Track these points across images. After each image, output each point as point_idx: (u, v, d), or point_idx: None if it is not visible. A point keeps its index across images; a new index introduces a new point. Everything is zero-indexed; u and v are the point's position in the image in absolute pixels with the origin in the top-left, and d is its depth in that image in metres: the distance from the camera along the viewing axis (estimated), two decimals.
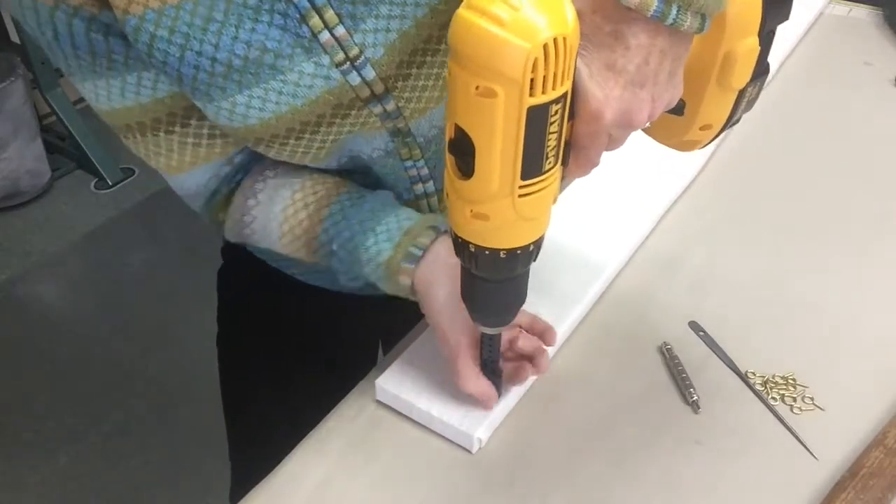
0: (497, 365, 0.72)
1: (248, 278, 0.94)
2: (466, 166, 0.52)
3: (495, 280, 0.60)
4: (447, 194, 0.56)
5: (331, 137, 0.70)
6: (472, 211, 0.54)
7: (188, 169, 0.75)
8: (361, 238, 0.73)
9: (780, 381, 0.76)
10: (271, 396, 0.98)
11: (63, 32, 0.63)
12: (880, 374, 0.77)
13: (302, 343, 0.95)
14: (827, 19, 1.40)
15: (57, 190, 2.78)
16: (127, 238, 2.59)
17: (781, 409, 0.74)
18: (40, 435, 1.95)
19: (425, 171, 0.77)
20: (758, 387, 0.76)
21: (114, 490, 1.82)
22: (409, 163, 0.76)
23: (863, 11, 1.41)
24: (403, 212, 0.75)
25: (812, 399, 0.75)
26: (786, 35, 1.31)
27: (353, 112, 0.69)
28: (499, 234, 0.56)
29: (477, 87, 0.48)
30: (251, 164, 0.80)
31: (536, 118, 0.49)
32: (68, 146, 2.82)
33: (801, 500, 0.67)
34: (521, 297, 0.64)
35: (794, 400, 0.75)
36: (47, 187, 2.76)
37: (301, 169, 0.79)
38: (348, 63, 0.65)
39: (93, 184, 2.79)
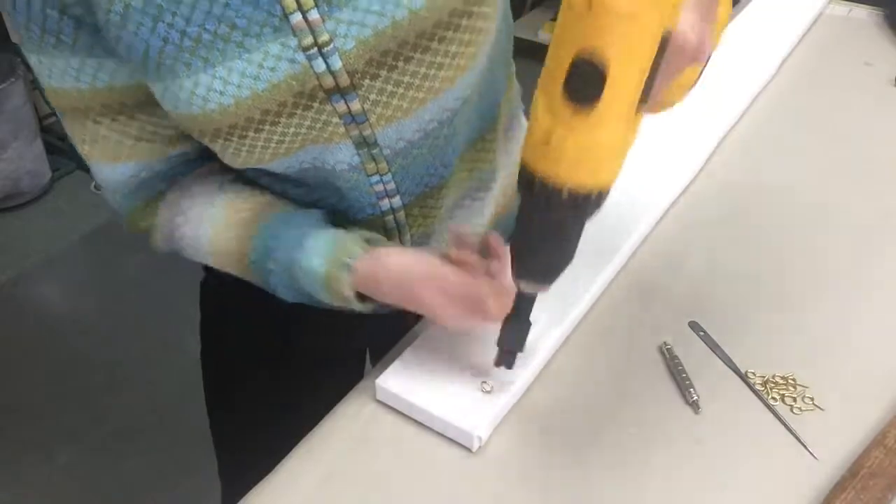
0: (525, 331, 0.69)
1: (229, 291, 0.93)
2: (589, 95, 0.52)
3: (562, 227, 0.60)
4: (544, 136, 0.55)
5: (291, 131, 0.68)
6: (579, 142, 0.54)
7: (108, 161, 0.76)
8: (295, 254, 0.73)
9: (780, 381, 0.76)
10: (256, 411, 0.97)
11: (20, 1, 0.65)
12: (880, 374, 0.77)
13: (287, 356, 0.94)
14: (827, 19, 1.40)
15: (57, 190, 2.78)
16: (127, 238, 2.56)
17: (781, 409, 0.74)
18: (40, 435, 1.95)
19: (392, 186, 0.76)
20: (758, 387, 0.76)
21: (113, 490, 1.82)
22: (375, 178, 0.74)
23: (863, 12, 1.41)
24: (331, 229, 0.75)
25: (812, 399, 0.75)
26: (786, 35, 1.31)
27: (316, 105, 0.68)
28: (596, 168, 0.56)
29: (621, 11, 0.49)
30: (175, 177, 0.80)
31: (662, 45, 0.51)
32: (68, 146, 2.81)
33: (801, 500, 0.67)
34: (571, 256, 0.63)
35: (794, 400, 0.75)
36: (47, 188, 2.76)
37: (226, 185, 0.79)
38: (315, 48, 0.65)
39: (93, 184, 2.79)
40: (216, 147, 0.71)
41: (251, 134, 0.68)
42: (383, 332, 0.84)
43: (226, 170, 0.80)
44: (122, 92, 0.70)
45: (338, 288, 0.72)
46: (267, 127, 0.68)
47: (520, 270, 0.64)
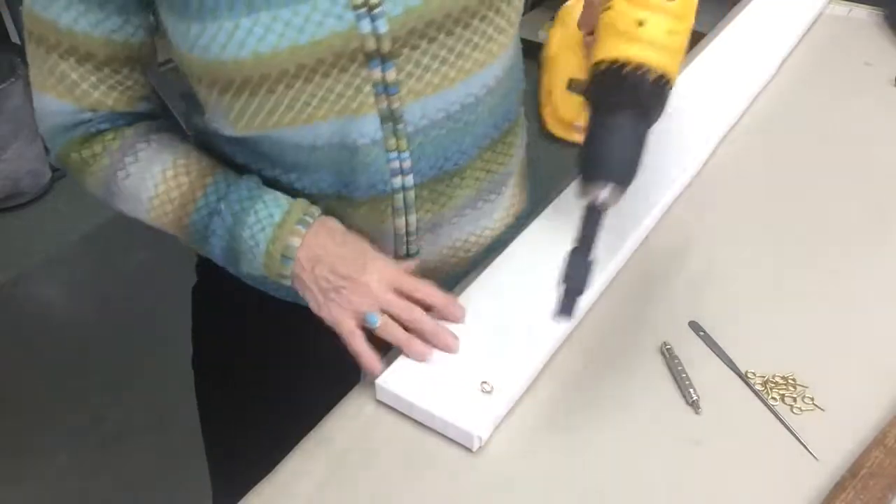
0: (588, 267, 0.67)
1: (222, 297, 0.93)
2: None
3: (644, 117, 0.65)
4: (634, 24, 0.63)
5: (320, 94, 0.69)
6: (669, 28, 0.63)
7: (56, 97, 0.77)
8: (249, 203, 0.76)
9: (780, 381, 0.76)
10: (248, 415, 0.97)
11: None
12: (880, 374, 0.77)
13: (281, 363, 0.94)
14: (827, 19, 1.40)
15: (57, 190, 2.78)
16: (127, 238, 2.58)
17: (781, 409, 0.74)
18: (40, 435, 1.95)
19: (408, 164, 0.77)
20: (758, 387, 0.76)
21: (114, 490, 1.82)
22: (393, 154, 0.75)
23: (863, 12, 1.41)
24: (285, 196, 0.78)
25: (812, 399, 0.75)
26: (786, 35, 1.31)
27: (353, 68, 0.68)
28: (675, 56, 0.65)
29: None
30: (122, 124, 0.80)
31: None
32: None
33: (801, 500, 0.67)
34: (642, 158, 0.67)
35: (794, 400, 0.75)
36: (48, 188, 2.75)
37: (186, 142, 0.81)
38: (365, 8, 0.66)
39: None
40: (237, 105, 0.70)
41: (280, 89, 0.68)
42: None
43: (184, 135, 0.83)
44: (100, 43, 0.71)
45: (285, 237, 0.75)
46: (298, 84, 0.68)
47: (598, 172, 0.65)
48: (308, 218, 0.76)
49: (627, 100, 0.64)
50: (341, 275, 0.75)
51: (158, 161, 0.78)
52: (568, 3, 0.84)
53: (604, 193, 0.65)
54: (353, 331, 0.76)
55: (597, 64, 0.65)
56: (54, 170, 2.78)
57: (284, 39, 0.66)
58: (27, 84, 2.64)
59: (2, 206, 2.66)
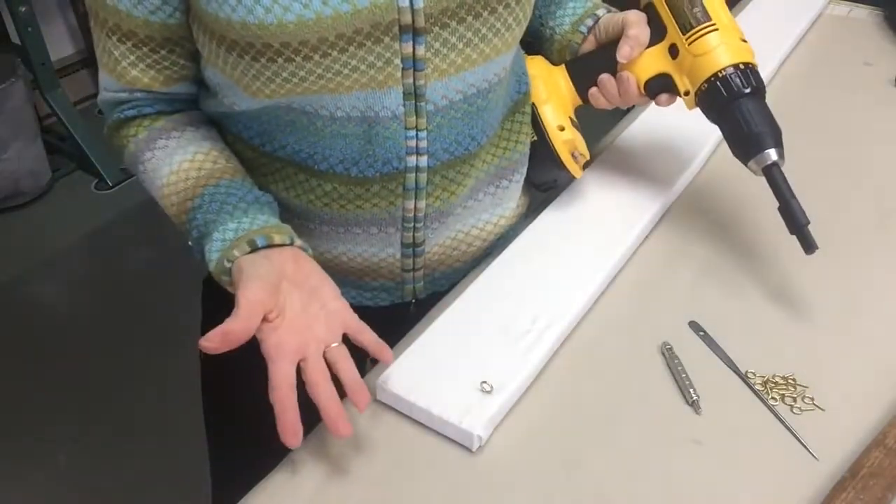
0: (796, 203, 0.81)
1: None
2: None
3: (762, 93, 0.84)
4: (740, 39, 0.84)
5: (353, 63, 0.70)
6: (741, 38, 0.85)
7: (106, 72, 0.80)
8: (225, 217, 0.75)
9: (780, 381, 0.76)
10: (254, 410, 0.97)
11: None
12: (880, 374, 0.77)
13: None
14: (827, 19, 1.40)
15: (57, 191, 2.78)
16: (127, 238, 2.59)
17: (781, 409, 0.74)
18: (40, 435, 1.95)
19: (424, 144, 0.78)
20: (758, 387, 0.76)
21: (114, 490, 1.82)
22: (411, 132, 0.77)
23: (863, 12, 1.42)
24: (274, 219, 0.76)
25: (812, 399, 0.75)
26: (785, 35, 1.31)
27: (386, 40, 0.70)
28: (748, 49, 0.85)
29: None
30: (158, 110, 0.82)
31: None
32: (69, 147, 2.82)
33: (801, 500, 0.67)
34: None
35: (794, 400, 0.75)
36: (48, 188, 2.76)
37: (215, 138, 0.83)
38: None
39: (93, 184, 2.79)
40: (269, 70, 0.70)
41: (316, 58, 0.69)
42: (383, 333, 0.84)
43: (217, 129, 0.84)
44: (139, 23, 0.74)
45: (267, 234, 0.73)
46: (334, 53, 0.69)
47: (763, 142, 0.82)
48: (260, 240, 0.73)
49: (750, 87, 0.82)
50: (312, 299, 0.72)
51: (181, 151, 0.81)
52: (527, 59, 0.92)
53: (774, 155, 0.82)
54: (291, 380, 0.70)
55: (717, 72, 0.83)
56: (54, 170, 2.79)
57: (328, 7, 0.67)
58: (27, 84, 2.66)
59: (2, 206, 2.66)
